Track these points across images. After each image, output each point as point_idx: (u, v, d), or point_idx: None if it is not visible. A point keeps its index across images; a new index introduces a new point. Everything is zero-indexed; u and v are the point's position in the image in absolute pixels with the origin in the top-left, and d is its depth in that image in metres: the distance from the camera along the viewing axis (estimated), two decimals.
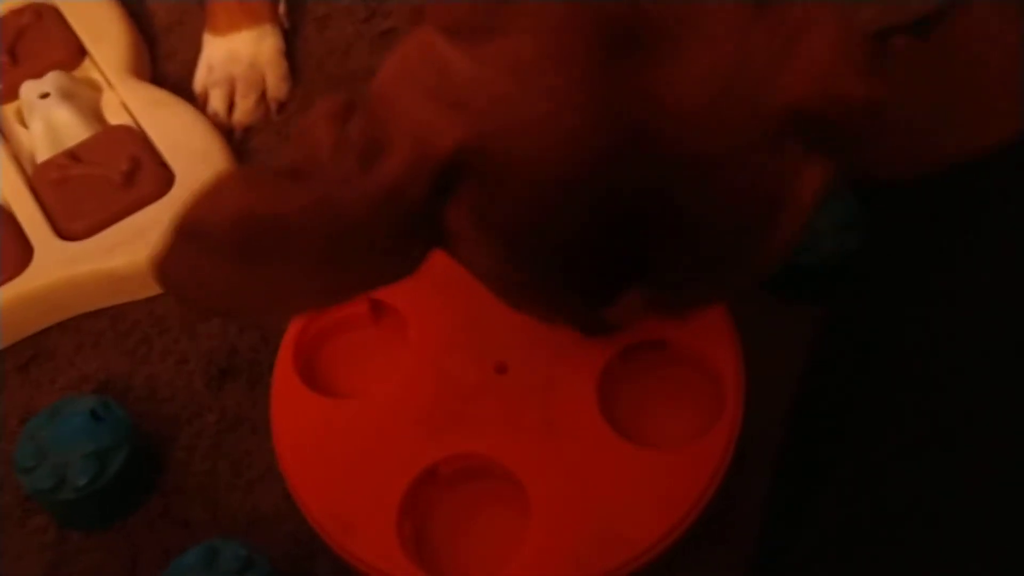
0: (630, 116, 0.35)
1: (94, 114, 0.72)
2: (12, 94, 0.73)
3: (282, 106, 0.74)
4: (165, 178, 0.68)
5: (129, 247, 0.65)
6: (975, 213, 0.46)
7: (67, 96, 0.71)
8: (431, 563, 0.52)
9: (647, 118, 0.35)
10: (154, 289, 0.66)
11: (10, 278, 0.64)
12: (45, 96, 0.70)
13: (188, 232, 0.39)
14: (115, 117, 0.72)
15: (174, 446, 0.61)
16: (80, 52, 0.75)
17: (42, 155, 0.70)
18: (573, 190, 0.36)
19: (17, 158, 0.70)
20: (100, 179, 0.67)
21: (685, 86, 0.35)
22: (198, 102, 0.74)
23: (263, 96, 0.74)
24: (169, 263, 0.39)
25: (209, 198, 0.38)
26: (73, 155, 0.69)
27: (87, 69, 0.75)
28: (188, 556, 0.52)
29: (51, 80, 0.71)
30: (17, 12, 0.77)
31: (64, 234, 0.66)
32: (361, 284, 0.40)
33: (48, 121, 0.70)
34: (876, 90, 0.35)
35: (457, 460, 0.54)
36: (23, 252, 0.65)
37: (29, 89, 0.71)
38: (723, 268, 0.41)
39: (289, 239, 0.37)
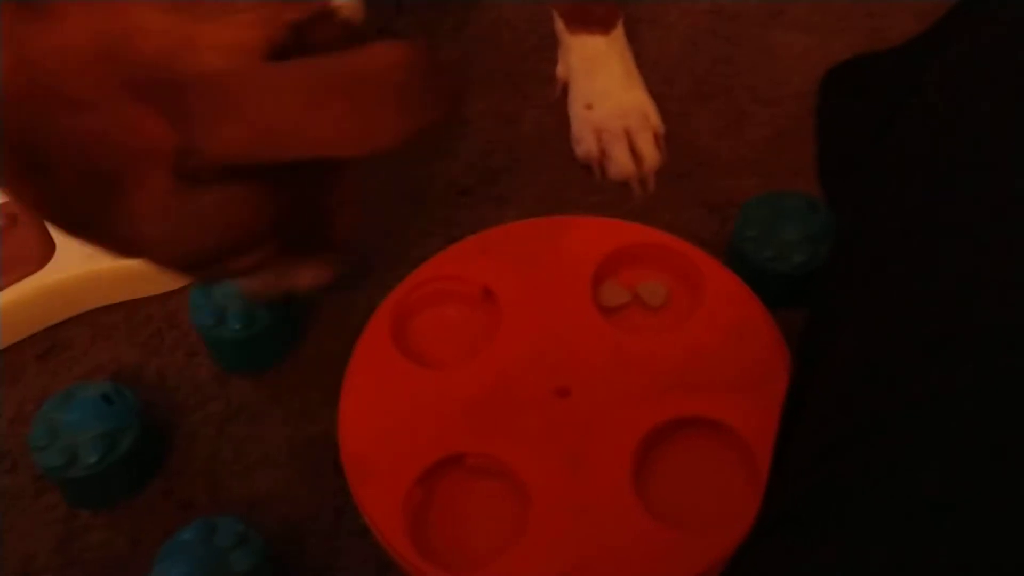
0: (19, 56, 0.41)
1: None
2: None
3: None
4: None
5: None
6: (933, 227, 0.49)
7: None
8: (423, 535, 0.55)
9: (31, 61, 0.41)
10: (167, 285, 0.71)
11: (33, 272, 0.68)
12: None
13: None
14: None
15: (179, 432, 0.65)
16: None
17: None
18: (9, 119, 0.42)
19: None
20: None
21: (60, 40, 0.41)
22: None
23: None
24: None
25: None
26: None
27: None
28: (187, 531, 0.55)
29: None
30: None
31: None
32: None
33: None
34: (201, 61, 0.40)
35: (484, 458, 0.56)
36: (46, 247, 0.69)
37: None
38: (104, 224, 0.44)
39: None
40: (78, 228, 0.46)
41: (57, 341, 0.70)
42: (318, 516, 0.60)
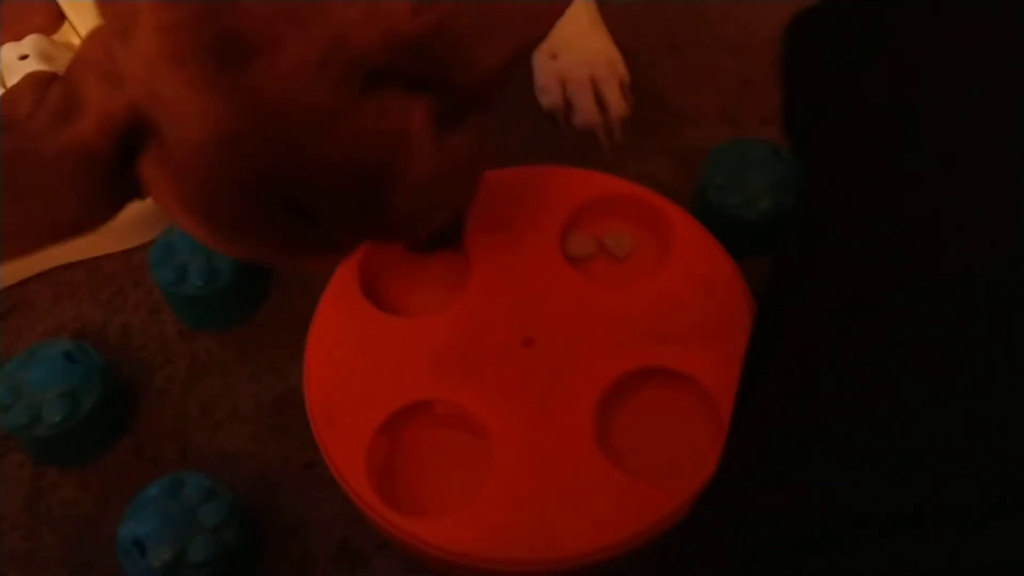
0: (242, 96, 0.40)
1: None
2: None
3: None
4: None
5: None
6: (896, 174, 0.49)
7: (46, 59, 0.73)
8: (388, 483, 0.55)
9: (258, 96, 0.41)
10: (130, 242, 0.70)
11: None
12: (24, 58, 0.73)
13: None
14: None
15: (146, 390, 0.64)
16: (60, 17, 0.78)
17: None
18: (215, 156, 0.41)
19: None
20: None
21: (285, 65, 0.40)
22: None
23: None
24: None
25: None
26: None
27: (66, 33, 0.77)
28: (154, 487, 0.55)
29: (30, 43, 0.74)
30: None
31: None
32: (47, 229, 0.43)
33: None
34: (423, 19, 0.41)
35: (449, 406, 0.57)
36: None
37: (9, 51, 0.74)
38: (382, 211, 0.45)
39: None
40: (337, 243, 0.46)
41: (19, 300, 0.69)
42: (288, 471, 0.60)
